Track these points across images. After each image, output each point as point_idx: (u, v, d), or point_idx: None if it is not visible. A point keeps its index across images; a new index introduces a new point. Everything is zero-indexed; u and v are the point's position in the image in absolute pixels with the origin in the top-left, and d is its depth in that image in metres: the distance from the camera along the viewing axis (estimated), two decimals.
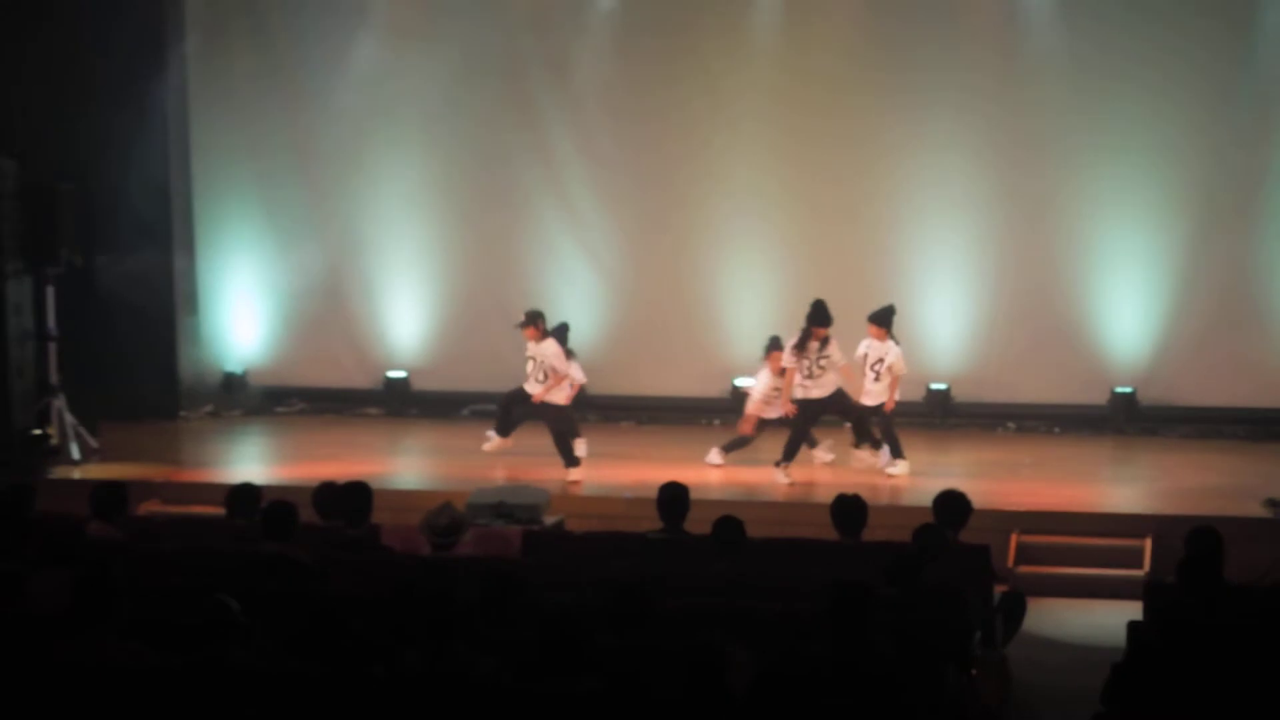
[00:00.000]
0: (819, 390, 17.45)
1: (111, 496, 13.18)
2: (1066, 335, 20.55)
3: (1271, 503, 15.86)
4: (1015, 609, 12.66)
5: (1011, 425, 20.80)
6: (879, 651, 9.29)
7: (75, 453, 18.56)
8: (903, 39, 20.56)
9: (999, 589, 12.81)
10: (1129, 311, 20.37)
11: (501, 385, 18.58)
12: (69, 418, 18.69)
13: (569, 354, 18.05)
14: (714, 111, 21.03)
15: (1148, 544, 15.30)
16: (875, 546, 12.54)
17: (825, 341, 17.41)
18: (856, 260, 20.79)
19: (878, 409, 17.69)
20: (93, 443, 18.85)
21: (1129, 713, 9.02)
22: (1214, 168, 20.04)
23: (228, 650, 9.07)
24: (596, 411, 21.29)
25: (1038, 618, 13.38)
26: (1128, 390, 20.50)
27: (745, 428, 18.09)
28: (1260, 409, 20.10)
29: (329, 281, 22.18)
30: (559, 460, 17.63)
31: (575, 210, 21.61)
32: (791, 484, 17.22)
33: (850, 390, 17.71)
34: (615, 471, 18.04)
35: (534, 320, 17.84)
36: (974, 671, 11.00)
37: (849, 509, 12.85)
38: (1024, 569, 15.20)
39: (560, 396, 17.92)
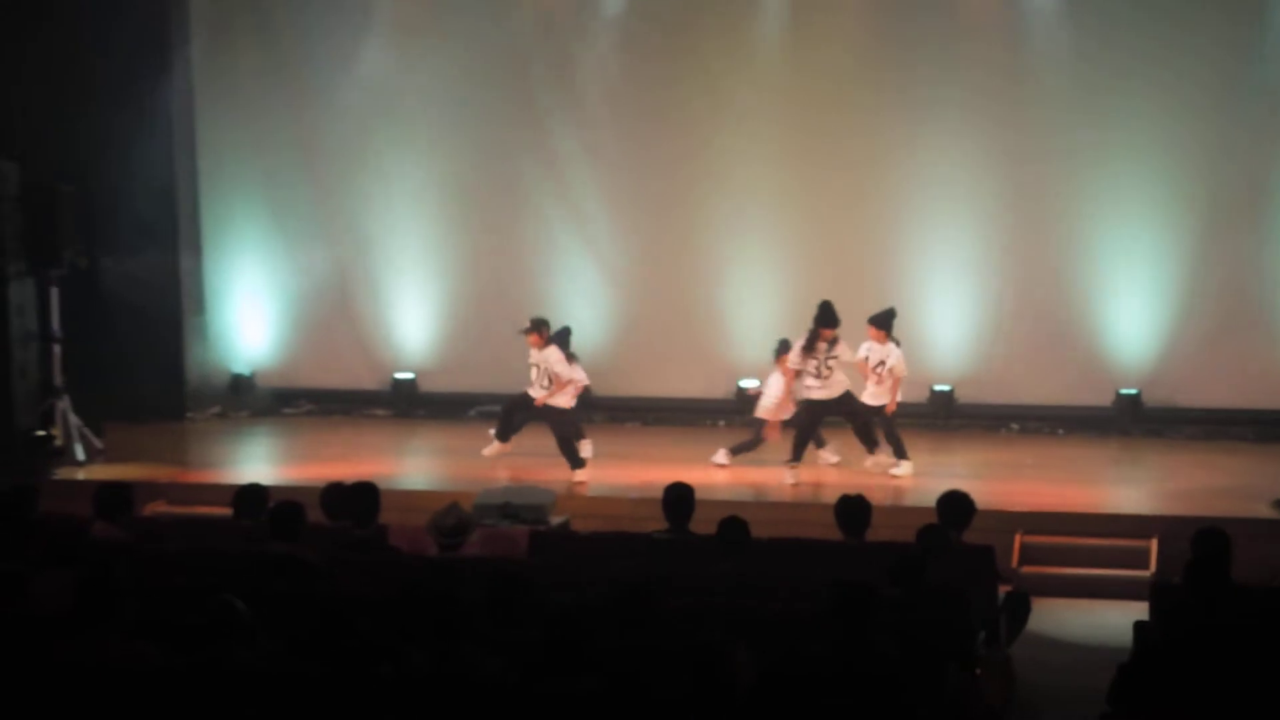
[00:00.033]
0: (826, 391, 17.45)
1: (116, 497, 13.17)
2: (1071, 336, 20.53)
3: (1279, 503, 15.85)
4: (1019, 609, 12.65)
5: (1015, 426, 20.78)
6: (882, 651, 9.28)
7: (80, 454, 18.55)
8: (905, 38, 20.54)
9: (1003, 589, 12.79)
10: (1134, 312, 20.35)
11: (508, 387, 18.58)
12: (73, 419, 18.69)
13: (571, 357, 18.05)
14: (718, 111, 21.02)
15: (1153, 545, 15.29)
16: (879, 547, 12.52)
17: (833, 342, 17.40)
18: (860, 260, 20.77)
19: (879, 410, 17.69)
20: (98, 444, 18.85)
21: (1135, 713, 9.01)
22: (1221, 168, 20.01)
23: (234, 650, 9.07)
24: (602, 412, 21.29)
25: (1042, 618, 13.36)
26: (1133, 392, 20.48)
27: (772, 434, 18.07)
28: (1267, 410, 20.08)
29: (336, 282, 22.19)
30: (564, 461, 17.62)
31: (580, 210, 21.60)
32: (796, 484, 17.22)
33: (857, 389, 17.69)
34: (621, 472, 18.05)
35: (538, 328, 17.87)
36: (978, 671, 10.99)
37: (853, 509, 12.85)
38: (1028, 569, 15.18)
39: (564, 400, 17.92)
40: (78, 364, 19.32)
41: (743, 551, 12.13)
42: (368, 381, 22.36)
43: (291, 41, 21.92)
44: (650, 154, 21.39)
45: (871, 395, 17.71)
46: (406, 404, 22.18)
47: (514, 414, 18.14)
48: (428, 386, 22.16)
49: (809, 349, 17.43)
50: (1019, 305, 20.59)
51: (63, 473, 18.18)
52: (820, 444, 18.10)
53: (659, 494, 13.24)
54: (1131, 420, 20.45)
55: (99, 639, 9.18)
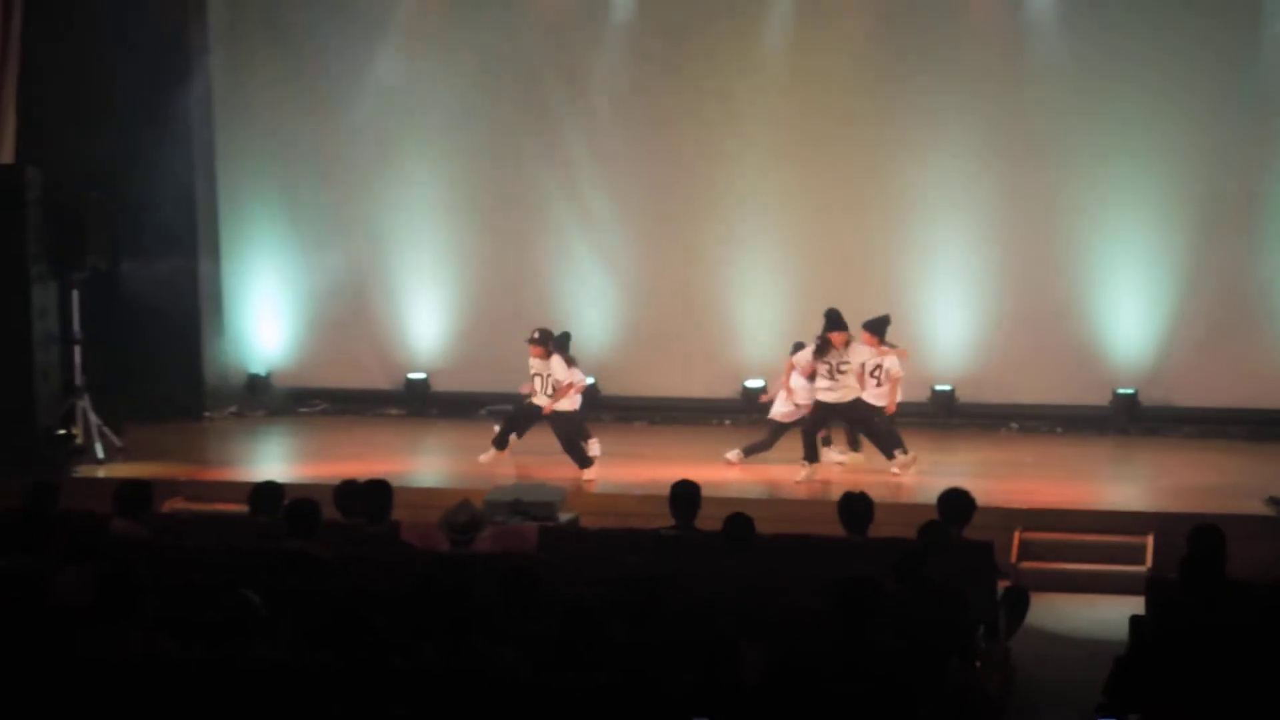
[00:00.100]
0: (836, 395, 17.42)
1: (135, 494, 13.18)
2: (1069, 337, 20.53)
3: (1273, 501, 15.82)
4: (1018, 604, 12.65)
5: (1014, 425, 20.78)
6: (884, 645, 9.28)
7: (100, 452, 18.57)
8: (908, 47, 20.55)
9: (1002, 584, 12.79)
10: (1131, 313, 20.35)
11: (519, 387, 18.53)
12: (94, 418, 18.70)
13: (570, 360, 18.05)
14: (725, 118, 21.04)
15: (1149, 541, 15.27)
16: (881, 543, 12.51)
17: (846, 346, 17.37)
18: (863, 263, 20.79)
19: (879, 410, 17.69)
20: (118, 442, 18.86)
21: (1131, 705, 9.00)
22: (1216, 170, 20.01)
23: (250, 645, 9.06)
24: (610, 412, 21.33)
25: (1041, 613, 13.36)
26: (1130, 391, 20.48)
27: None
28: (1261, 409, 20.08)
29: (351, 285, 22.21)
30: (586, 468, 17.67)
31: (590, 214, 21.62)
32: (798, 482, 17.21)
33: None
34: (628, 470, 18.04)
35: (544, 341, 17.86)
36: (978, 665, 10.98)
37: (856, 506, 12.84)
38: (1027, 565, 15.17)
39: (570, 404, 17.93)
40: (98, 365, 19.34)
41: (748, 548, 12.12)
42: (381, 381, 22.38)
43: (308, 52, 21.94)
44: (658, 159, 21.41)
45: (872, 397, 17.71)
46: (419, 403, 22.19)
47: (519, 423, 18.12)
48: (440, 386, 22.17)
49: (820, 355, 17.43)
50: (1018, 307, 20.59)
51: (83, 471, 18.18)
52: (827, 442, 18.12)
53: (666, 491, 13.22)
54: (1128, 419, 20.44)
55: (119, 633, 9.18)
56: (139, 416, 20.03)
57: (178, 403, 21.44)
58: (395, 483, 13.58)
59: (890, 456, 17.40)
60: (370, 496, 13.24)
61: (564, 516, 14.56)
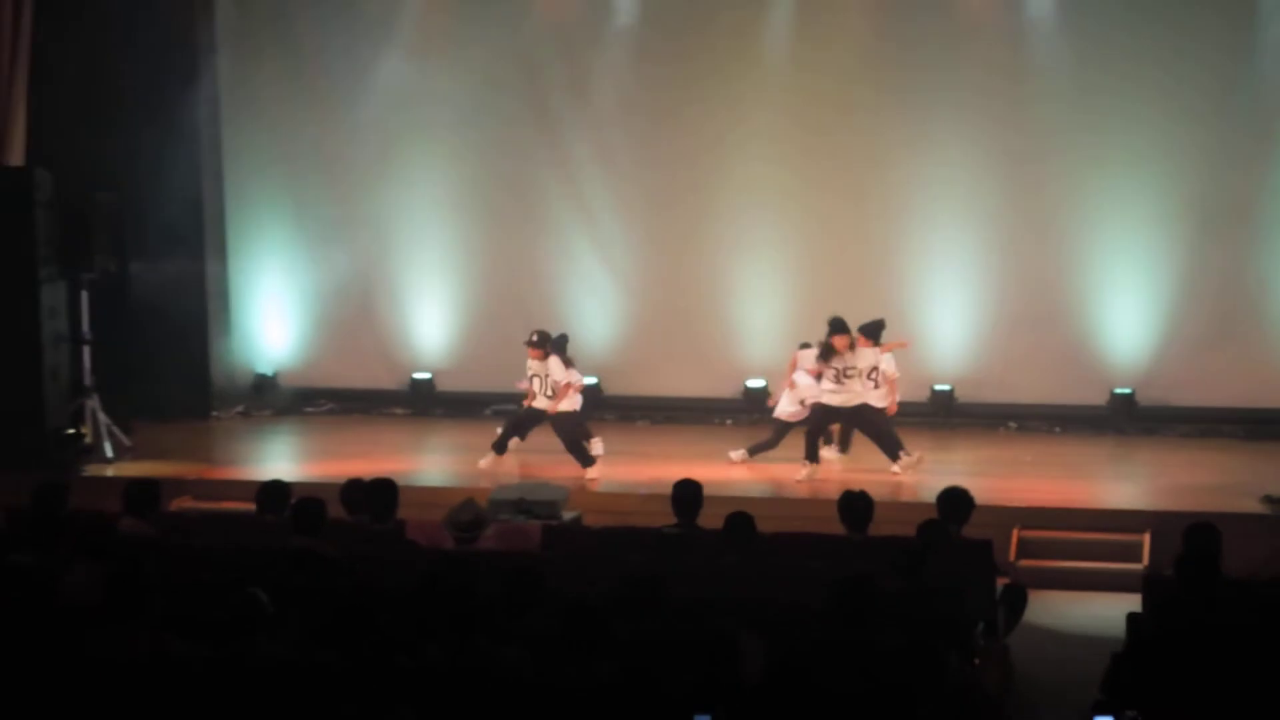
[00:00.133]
0: (840, 399, 17.41)
1: (144, 493, 13.17)
2: (1067, 337, 20.53)
3: (1269, 499, 15.83)
4: (1017, 601, 12.65)
5: (1013, 425, 20.77)
6: (884, 642, 9.28)
7: (109, 451, 18.57)
8: (909, 57, 20.54)
9: (1001, 582, 12.79)
10: (1128, 314, 20.35)
11: (515, 383, 18.54)
12: (102, 417, 18.71)
13: (569, 362, 18.07)
14: (727, 120, 21.04)
15: (1146, 539, 15.28)
16: (881, 541, 12.52)
17: (851, 350, 17.35)
18: (864, 266, 20.79)
19: (880, 412, 17.69)
20: (126, 442, 18.87)
21: (1128, 701, 9.01)
22: (1211, 175, 20.01)
23: (257, 642, 9.07)
24: (613, 411, 21.34)
25: (1039, 610, 13.38)
26: (1127, 391, 20.47)
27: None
28: (1257, 409, 20.07)
29: (356, 285, 22.22)
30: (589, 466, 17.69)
31: (593, 217, 21.62)
32: (799, 481, 17.22)
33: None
34: (631, 469, 18.04)
35: (542, 343, 17.88)
36: (977, 661, 10.98)
37: (856, 504, 12.85)
38: (1025, 563, 15.17)
39: (571, 405, 17.94)
40: (107, 365, 19.34)
41: (749, 546, 12.13)
42: (387, 381, 22.38)
43: (314, 53, 21.95)
44: (661, 160, 21.41)
45: (872, 399, 17.72)
46: (424, 403, 22.20)
47: (521, 428, 18.12)
48: (445, 386, 22.17)
49: (824, 360, 17.43)
50: (1017, 307, 20.59)
51: (92, 470, 18.19)
52: (828, 441, 18.14)
53: (668, 490, 13.23)
54: (1126, 419, 20.44)
55: (128, 631, 9.19)
56: (147, 416, 20.04)
57: (185, 402, 21.44)
58: (400, 481, 13.58)
59: (895, 459, 17.39)
60: (376, 495, 13.25)
61: (567, 515, 14.56)
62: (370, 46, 21.74)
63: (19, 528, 12.57)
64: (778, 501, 16.52)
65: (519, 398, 18.45)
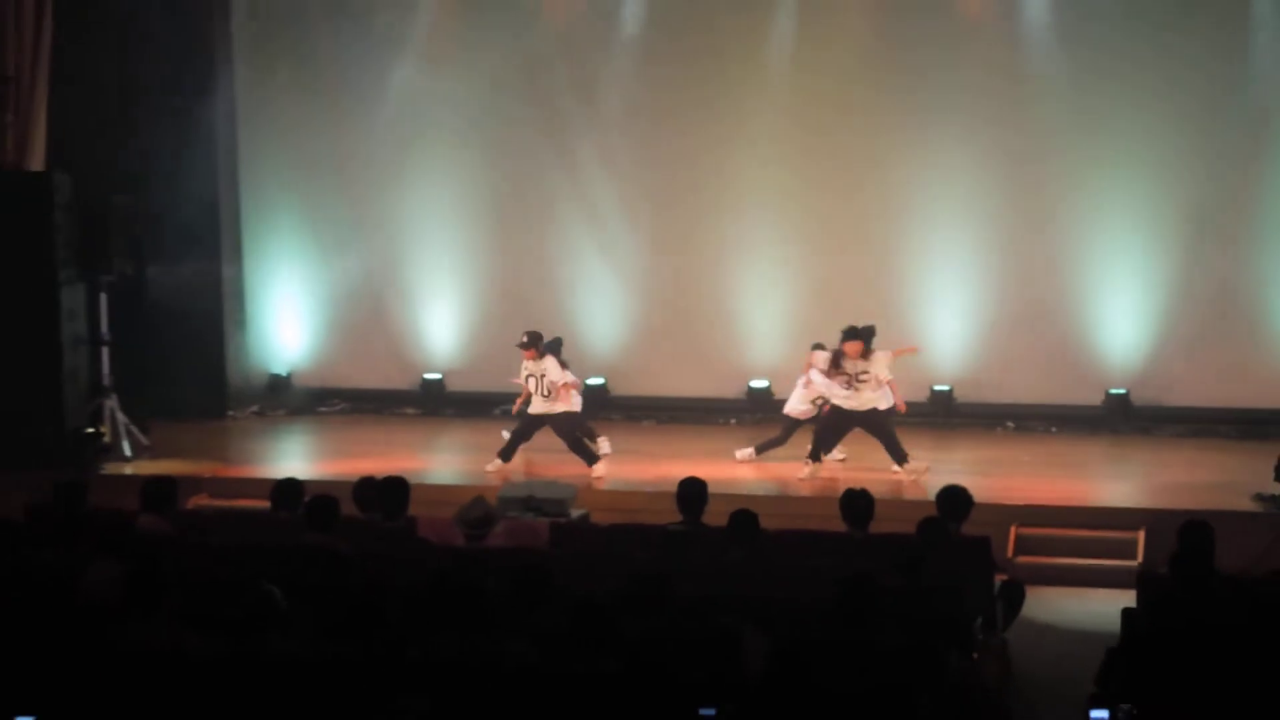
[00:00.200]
0: (852, 404, 17.37)
1: (161, 491, 13.18)
2: (1064, 339, 20.51)
3: (1261, 497, 15.82)
4: (1014, 597, 12.66)
5: (1011, 424, 20.75)
6: (885, 637, 9.29)
7: (127, 450, 18.59)
8: (909, 60, 20.54)
9: (999, 578, 12.78)
10: (1123, 316, 20.34)
11: (510, 379, 18.55)
12: (121, 417, 18.73)
13: (564, 364, 18.06)
14: (730, 128, 21.03)
15: (1141, 536, 15.27)
16: (882, 538, 12.52)
17: (863, 356, 17.31)
18: (865, 266, 20.78)
19: (889, 412, 17.66)
20: (144, 441, 18.88)
21: (1122, 694, 9.01)
22: (1206, 178, 20.00)
23: (272, 637, 9.07)
24: (619, 411, 21.36)
25: (1036, 605, 13.37)
26: (1122, 391, 20.46)
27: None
28: (1249, 409, 20.05)
29: (369, 288, 22.23)
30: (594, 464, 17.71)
31: (600, 221, 21.62)
32: (801, 479, 17.22)
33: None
34: (637, 468, 18.05)
35: (535, 343, 17.86)
36: (976, 656, 10.99)
37: (857, 503, 12.85)
38: (1023, 559, 15.14)
39: (571, 405, 17.94)
40: (125, 365, 19.37)
41: (753, 543, 12.13)
42: (398, 381, 22.38)
43: (327, 61, 21.96)
44: (667, 165, 21.41)
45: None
46: (435, 403, 22.19)
47: (526, 435, 18.09)
48: (455, 386, 22.17)
49: (835, 366, 17.39)
50: (1015, 310, 20.58)
51: (111, 468, 18.20)
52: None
53: (674, 488, 13.22)
54: (1121, 418, 20.43)
55: (146, 627, 9.19)
56: (164, 415, 20.05)
57: (202, 402, 21.45)
58: (412, 480, 13.58)
59: (901, 464, 17.36)
60: (388, 493, 13.26)
61: (575, 513, 14.56)
62: (382, 54, 21.76)
63: (40, 525, 12.58)
64: (781, 499, 16.51)
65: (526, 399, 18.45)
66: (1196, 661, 9.06)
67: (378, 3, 21.97)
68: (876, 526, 12.86)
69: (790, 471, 17.44)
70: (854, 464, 17.89)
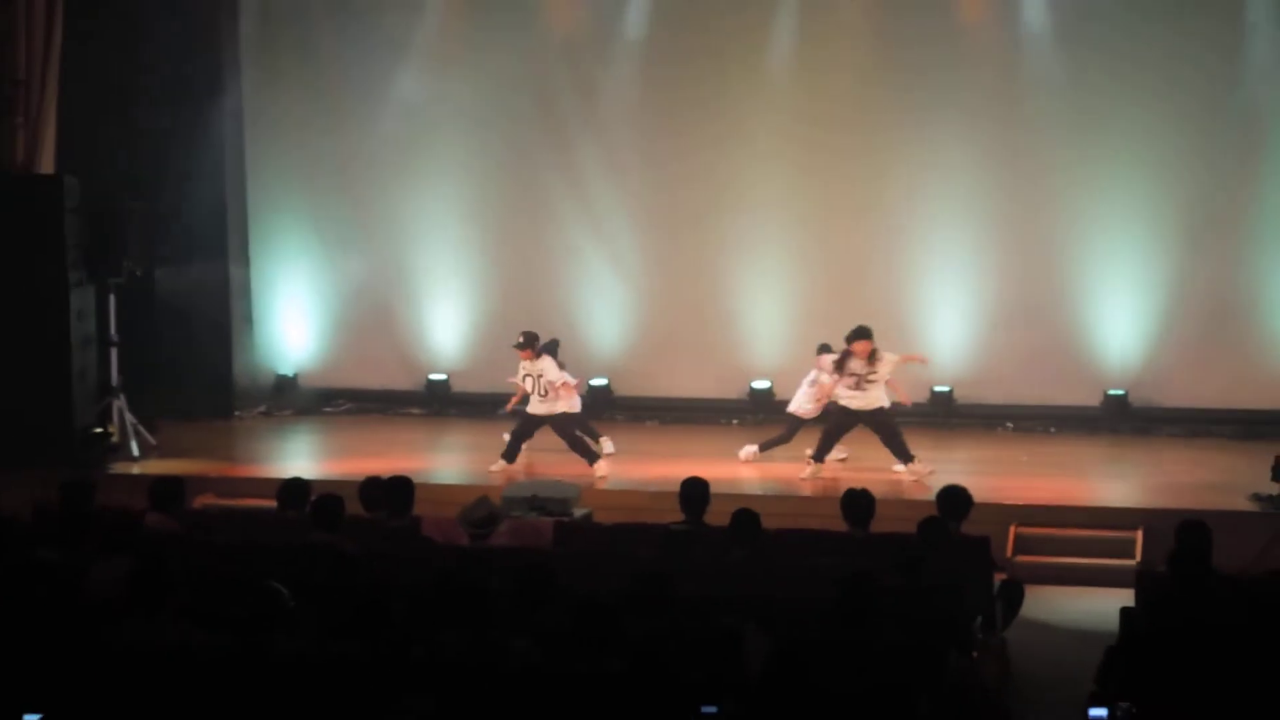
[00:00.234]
0: (859, 403, 17.32)
1: (169, 490, 13.18)
2: (1062, 340, 20.50)
3: (1258, 497, 15.80)
4: (1014, 596, 12.63)
5: (1010, 425, 20.74)
6: (885, 636, 9.27)
7: (134, 449, 18.60)
8: (909, 63, 20.53)
9: (998, 577, 12.77)
10: (1121, 318, 20.33)
11: (506, 379, 18.56)
12: (129, 417, 18.75)
13: (560, 365, 18.06)
14: (732, 128, 21.03)
15: (1139, 535, 15.25)
16: (882, 538, 12.50)
17: (872, 357, 17.27)
18: (867, 269, 20.77)
19: (891, 414, 17.61)
20: (151, 440, 18.89)
21: (1121, 692, 8.99)
22: (1203, 182, 19.99)
23: (277, 635, 9.05)
24: (623, 411, 21.37)
25: (1035, 604, 13.35)
26: (1120, 392, 20.45)
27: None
28: (1246, 410, 20.04)
29: (374, 290, 22.22)
30: (595, 462, 17.70)
31: (602, 224, 21.61)
32: (803, 479, 17.20)
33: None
34: (640, 468, 18.04)
35: (531, 343, 17.87)
36: (975, 654, 10.96)
37: (858, 502, 12.83)
38: (1022, 559, 15.12)
39: (570, 405, 17.94)
40: (133, 366, 19.40)
41: (754, 542, 12.11)
42: (403, 382, 22.37)
43: (334, 68, 21.96)
44: (668, 169, 21.40)
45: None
46: (439, 403, 22.20)
47: (526, 435, 18.09)
48: (459, 387, 22.16)
49: (840, 366, 17.35)
50: (1014, 312, 20.56)
51: (118, 467, 18.21)
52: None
53: (676, 488, 13.21)
54: (1119, 419, 20.41)
55: (152, 625, 9.17)
56: (172, 415, 20.07)
57: (209, 402, 21.46)
58: (417, 479, 13.57)
59: (907, 463, 17.32)
60: (393, 492, 13.24)
61: (578, 512, 14.55)
62: (387, 59, 21.76)
63: (47, 524, 12.56)
64: (782, 499, 16.48)
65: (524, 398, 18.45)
66: (1194, 660, 9.04)
67: (384, 5, 21.98)
68: (877, 525, 12.84)
69: (792, 471, 17.43)
70: (855, 464, 17.87)
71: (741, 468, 17.88)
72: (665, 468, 17.47)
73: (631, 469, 17.95)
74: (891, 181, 20.79)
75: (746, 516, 12.20)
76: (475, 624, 8.98)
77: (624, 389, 21.53)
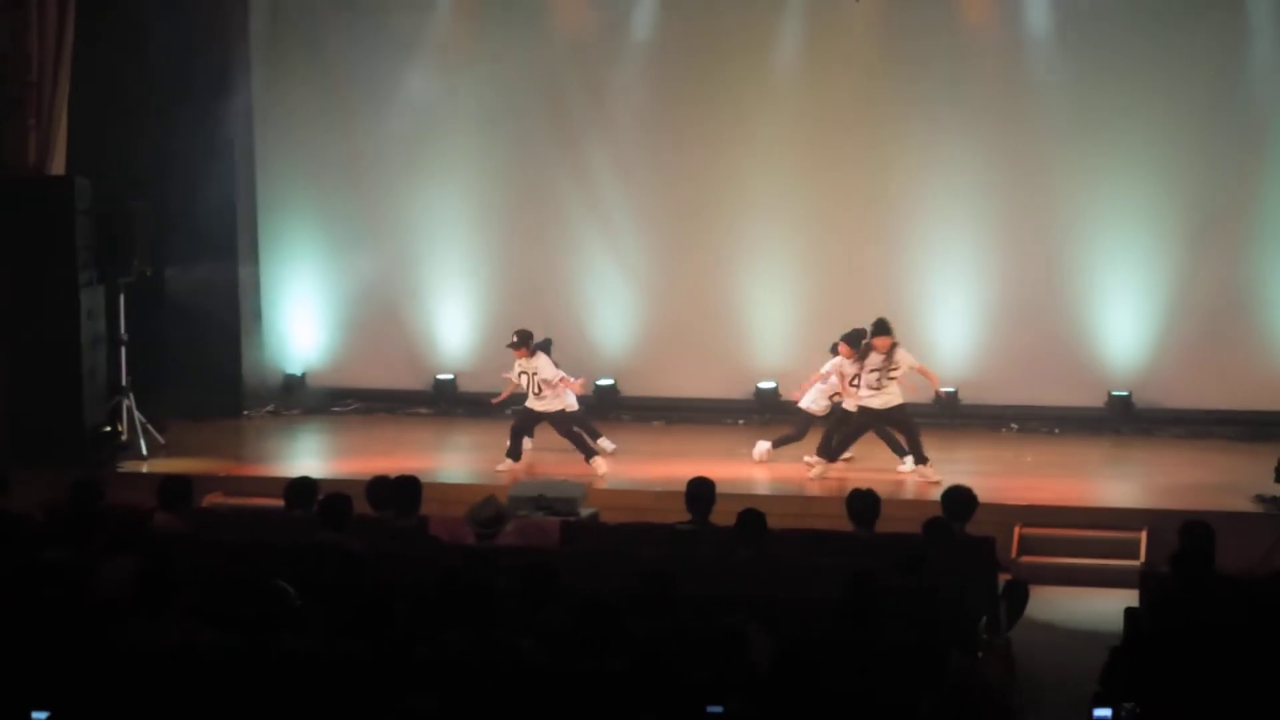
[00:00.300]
0: (879, 401, 17.26)
1: (177, 489, 13.19)
2: (1066, 342, 20.46)
3: (1261, 498, 15.78)
4: (1018, 597, 12.62)
5: (1015, 426, 20.68)
6: (890, 636, 9.25)
7: (143, 448, 18.60)
8: (915, 67, 20.48)
9: (1003, 578, 12.75)
10: (1125, 319, 20.28)
11: (501, 373, 18.57)
12: (138, 416, 18.76)
13: (555, 364, 18.07)
14: (739, 130, 20.98)
15: (1143, 536, 15.24)
16: (887, 538, 12.49)
17: (890, 354, 17.22)
18: (872, 271, 20.71)
19: (904, 410, 17.56)
20: (160, 439, 18.89)
21: (1125, 693, 8.97)
22: (1206, 183, 19.94)
23: (284, 634, 9.04)
24: (629, 411, 21.32)
25: (1039, 605, 13.33)
26: (1124, 393, 20.40)
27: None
28: (1249, 411, 19.99)
29: (382, 289, 22.18)
30: (592, 459, 17.69)
31: (610, 224, 21.57)
32: (811, 477, 17.18)
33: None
34: (646, 468, 18.02)
35: (525, 341, 17.89)
36: (980, 655, 10.95)
37: (863, 502, 12.82)
38: (1026, 559, 15.13)
39: (567, 403, 17.95)
40: (142, 365, 19.39)
41: (760, 542, 12.09)
42: (411, 382, 22.33)
43: (343, 69, 21.91)
44: (675, 169, 21.35)
45: (852, 403, 17.63)
46: (447, 403, 22.14)
47: (525, 430, 18.09)
48: (467, 387, 22.09)
49: (862, 357, 17.28)
50: (1018, 313, 20.51)
51: (127, 466, 18.22)
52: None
53: (682, 488, 13.21)
54: (1123, 420, 20.37)
55: (160, 623, 9.16)
56: (180, 414, 20.07)
57: (217, 401, 21.40)
58: (424, 479, 13.57)
59: (920, 463, 17.28)
60: (400, 492, 13.24)
61: (585, 512, 14.55)
62: (396, 61, 21.72)
63: (56, 523, 12.55)
64: (788, 499, 16.47)
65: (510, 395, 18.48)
66: (1198, 661, 9.03)
67: (393, 4, 21.92)
68: (882, 526, 12.83)
69: (797, 471, 17.40)
70: (861, 464, 17.82)
71: (746, 468, 17.85)
72: (671, 468, 17.44)
73: (637, 469, 17.94)
74: (896, 184, 20.74)
75: (752, 516, 12.19)
76: (479, 623, 8.96)
77: (630, 389, 21.48)
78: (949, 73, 20.41)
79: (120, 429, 18.60)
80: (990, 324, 20.63)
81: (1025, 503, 16.08)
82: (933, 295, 20.58)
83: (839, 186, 20.84)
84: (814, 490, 16.85)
